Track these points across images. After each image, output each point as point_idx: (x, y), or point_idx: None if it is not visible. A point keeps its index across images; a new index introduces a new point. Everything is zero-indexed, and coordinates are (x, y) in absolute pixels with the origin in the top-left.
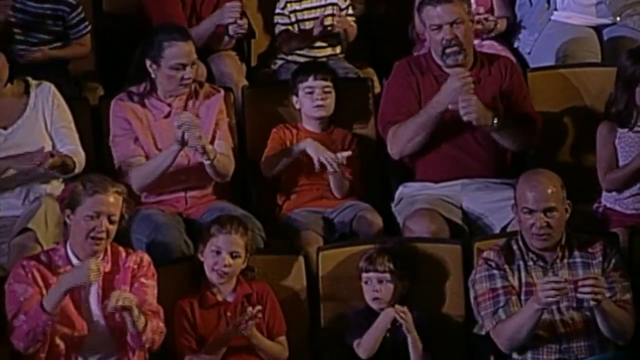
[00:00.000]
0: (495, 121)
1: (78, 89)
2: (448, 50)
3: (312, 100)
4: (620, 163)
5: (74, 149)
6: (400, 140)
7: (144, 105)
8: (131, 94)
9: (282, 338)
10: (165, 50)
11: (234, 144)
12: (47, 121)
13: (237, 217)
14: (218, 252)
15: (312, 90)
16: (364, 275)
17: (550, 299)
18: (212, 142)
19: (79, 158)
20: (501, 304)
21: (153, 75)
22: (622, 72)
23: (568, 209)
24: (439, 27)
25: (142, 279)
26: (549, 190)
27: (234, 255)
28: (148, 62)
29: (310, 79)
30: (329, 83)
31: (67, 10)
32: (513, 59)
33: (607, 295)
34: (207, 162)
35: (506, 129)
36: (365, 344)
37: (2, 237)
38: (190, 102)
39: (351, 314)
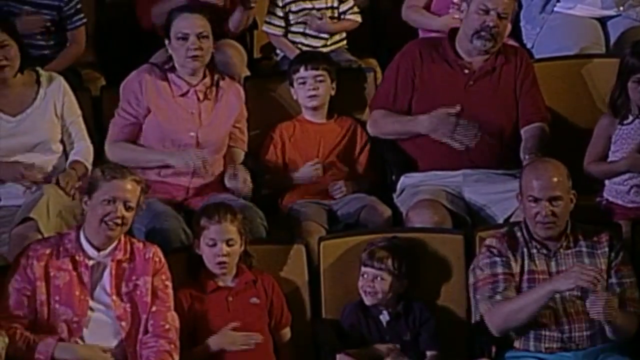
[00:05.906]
0: None
1: (79, 79)
2: (483, 33)
3: (305, 91)
4: (613, 153)
5: (83, 147)
6: (379, 130)
7: (165, 79)
8: (154, 65)
9: (287, 330)
10: (172, 22)
11: None
12: (58, 113)
13: (223, 203)
14: (214, 244)
15: (305, 81)
16: (362, 268)
17: (584, 283)
18: (231, 133)
19: (87, 155)
20: (499, 289)
21: (170, 52)
22: (621, 64)
23: (573, 198)
24: (487, 12)
25: (163, 277)
26: (555, 179)
27: (229, 243)
28: (166, 41)
29: (302, 69)
30: (320, 72)
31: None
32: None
33: (617, 290)
34: None
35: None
36: None
37: (2, 227)
38: (212, 89)
39: (345, 311)
